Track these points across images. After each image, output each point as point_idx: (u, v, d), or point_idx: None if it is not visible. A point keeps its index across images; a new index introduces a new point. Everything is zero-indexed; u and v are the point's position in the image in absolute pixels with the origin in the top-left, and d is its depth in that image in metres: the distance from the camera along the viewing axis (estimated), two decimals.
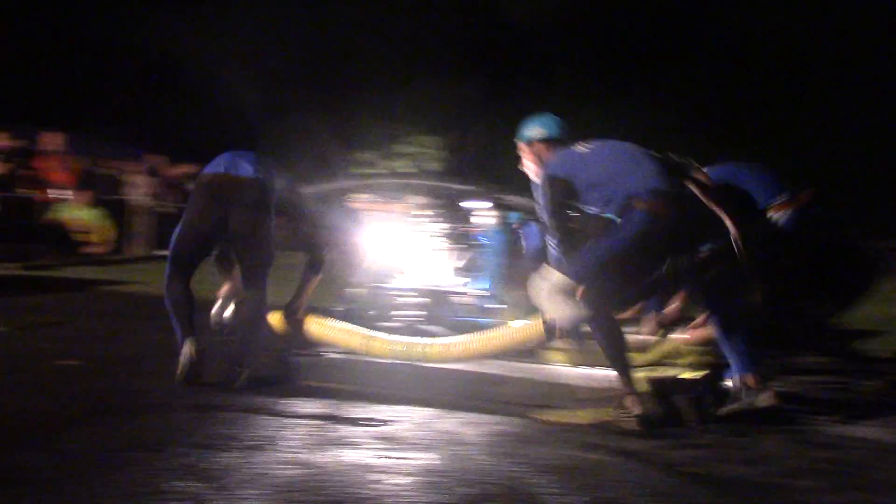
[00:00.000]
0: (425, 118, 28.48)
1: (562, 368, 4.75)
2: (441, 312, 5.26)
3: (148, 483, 2.80)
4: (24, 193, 11.58)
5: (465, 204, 5.79)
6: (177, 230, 4.58)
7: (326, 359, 4.74)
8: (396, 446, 3.41)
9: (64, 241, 11.32)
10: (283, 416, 3.83)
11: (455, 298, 5.29)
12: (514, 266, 5.39)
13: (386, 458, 3.24)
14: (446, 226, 5.48)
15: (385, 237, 5.43)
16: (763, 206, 4.52)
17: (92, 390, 4.22)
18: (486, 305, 5.25)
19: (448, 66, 25.94)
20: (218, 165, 4.56)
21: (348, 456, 3.24)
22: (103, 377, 4.51)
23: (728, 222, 4.03)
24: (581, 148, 4.17)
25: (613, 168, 4.00)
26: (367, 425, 3.71)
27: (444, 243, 5.43)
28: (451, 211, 5.62)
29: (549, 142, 4.41)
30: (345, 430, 3.61)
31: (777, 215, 4.50)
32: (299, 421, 3.74)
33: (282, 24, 24.82)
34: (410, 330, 5.21)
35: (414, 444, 3.46)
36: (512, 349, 4.34)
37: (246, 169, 4.48)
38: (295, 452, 3.23)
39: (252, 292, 4.51)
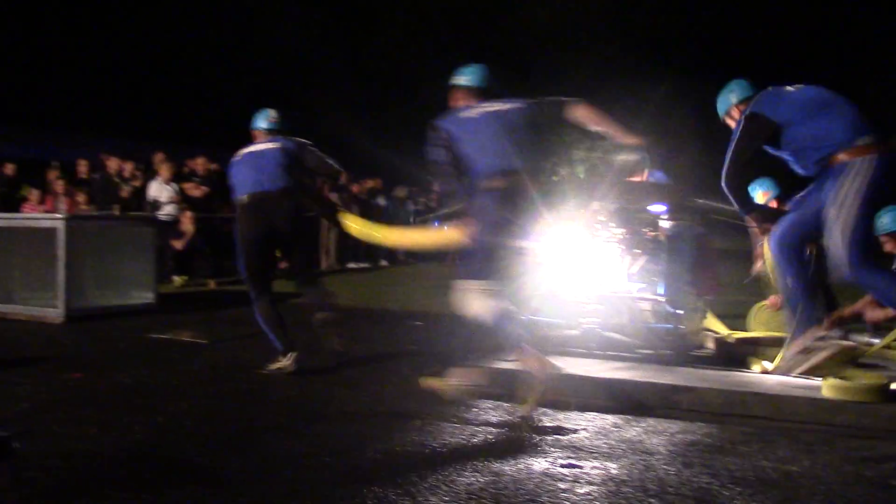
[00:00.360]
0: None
1: (750, 375, 4.61)
2: (619, 318, 5.21)
3: (343, 487, 2.98)
4: (220, 214, 12.37)
5: (649, 207, 5.69)
6: (238, 253, 5.29)
7: (510, 370, 4.81)
8: (582, 455, 3.44)
9: None
10: (472, 423, 3.94)
11: (633, 304, 5.21)
12: (692, 271, 5.24)
13: (572, 466, 3.27)
14: (625, 229, 5.40)
15: (564, 242, 5.43)
16: (845, 145, 4.23)
17: (290, 398, 4.51)
18: (663, 311, 5.11)
19: (631, 63, 25.77)
20: (253, 184, 5.25)
21: (536, 464, 3.30)
22: (300, 386, 4.78)
23: (622, 137, 4.17)
24: (471, 113, 4.34)
25: (480, 144, 4.19)
26: (552, 433, 3.76)
27: (623, 247, 5.36)
28: (631, 214, 5.54)
29: (468, 90, 4.50)
30: (534, 439, 3.67)
31: (859, 161, 4.20)
32: (488, 429, 3.85)
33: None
34: (590, 335, 5.21)
35: (599, 452, 3.48)
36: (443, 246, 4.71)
37: (275, 183, 5.20)
38: (485, 460, 3.33)
39: (311, 291, 5.49)
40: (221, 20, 24.45)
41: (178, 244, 10.85)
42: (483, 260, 4.12)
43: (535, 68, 25.86)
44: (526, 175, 4.17)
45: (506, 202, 4.09)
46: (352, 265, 14.71)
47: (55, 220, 7.42)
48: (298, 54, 24.93)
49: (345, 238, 14.76)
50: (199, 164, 12.29)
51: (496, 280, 4.21)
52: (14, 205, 10.74)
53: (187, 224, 11.02)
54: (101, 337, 6.48)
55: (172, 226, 11.07)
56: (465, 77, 4.58)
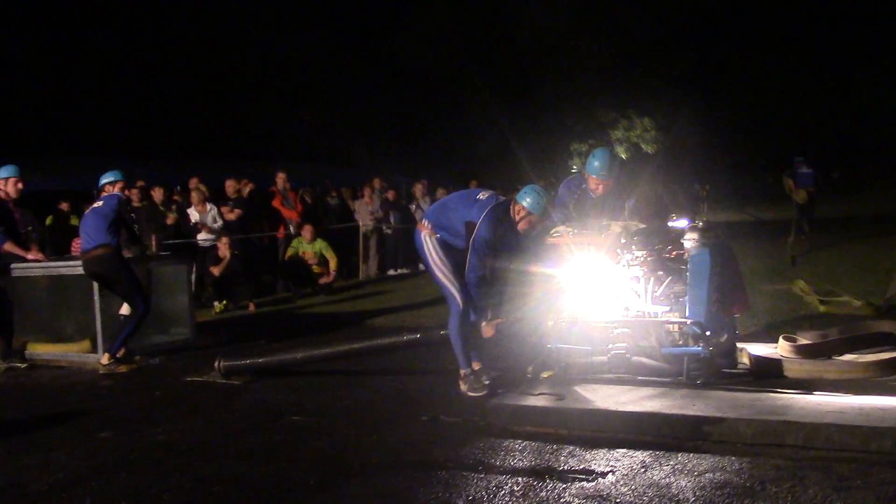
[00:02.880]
0: (635, 101, 28.52)
1: (784, 397, 4.50)
2: (646, 342, 5.11)
3: None
4: (257, 234, 12.42)
5: (671, 224, 5.60)
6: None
7: (537, 405, 4.77)
8: None
9: (299, 276, 12.03)
10: (498, 471, 3.91)
11: (659, 327, 5.09)
12: (719, 289, 5.08)
13: None
14: (648, 250, 5.30)
15: (587, 267, 5.36)
16: None
17: (318, 449, 4.50)
18: (691, 332, 4.97)
19: (654, 44, 26.15)
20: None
21: None
22: (329, 433, 4.77)
23: None
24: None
25: None
26: (578, 480, 3.72)
27: (646, 269, 5.25)
28: (655, 234, 5.46)
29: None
30: (559, 488, 3.64)
31: None
32: (515, 478, 3.80)
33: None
34: (618, 361, 5.14)
35: (624, 502, 3.43)
36: None
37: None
38: None
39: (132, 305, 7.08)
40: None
41: (215, 270, 10.93)
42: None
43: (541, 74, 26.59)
44: None
45: None
46: (391, 272, 14.65)
47: None
48: (314, 68, 25.23)
49: (382, 246, 14.72)
50: (229, 186, 12.34)
51: None
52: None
53: (224, 249, 11.08)
54: (138, 384, 6.51)
55: (210, 252, 11.16)
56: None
